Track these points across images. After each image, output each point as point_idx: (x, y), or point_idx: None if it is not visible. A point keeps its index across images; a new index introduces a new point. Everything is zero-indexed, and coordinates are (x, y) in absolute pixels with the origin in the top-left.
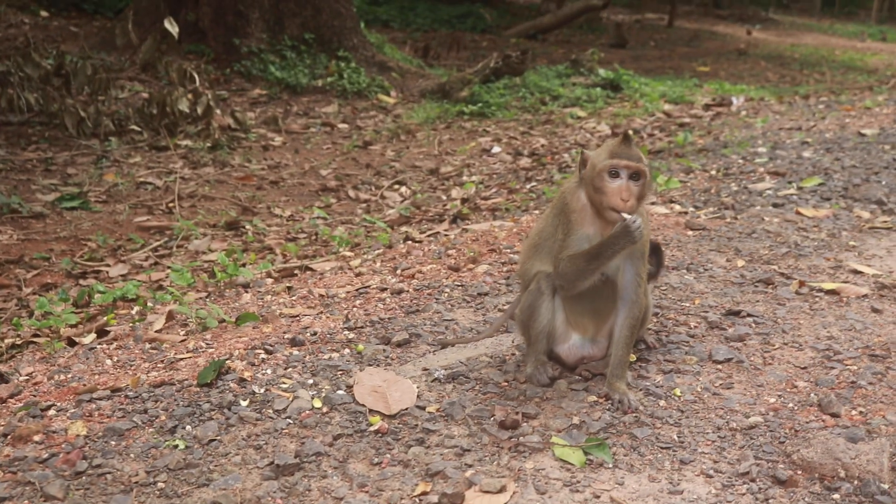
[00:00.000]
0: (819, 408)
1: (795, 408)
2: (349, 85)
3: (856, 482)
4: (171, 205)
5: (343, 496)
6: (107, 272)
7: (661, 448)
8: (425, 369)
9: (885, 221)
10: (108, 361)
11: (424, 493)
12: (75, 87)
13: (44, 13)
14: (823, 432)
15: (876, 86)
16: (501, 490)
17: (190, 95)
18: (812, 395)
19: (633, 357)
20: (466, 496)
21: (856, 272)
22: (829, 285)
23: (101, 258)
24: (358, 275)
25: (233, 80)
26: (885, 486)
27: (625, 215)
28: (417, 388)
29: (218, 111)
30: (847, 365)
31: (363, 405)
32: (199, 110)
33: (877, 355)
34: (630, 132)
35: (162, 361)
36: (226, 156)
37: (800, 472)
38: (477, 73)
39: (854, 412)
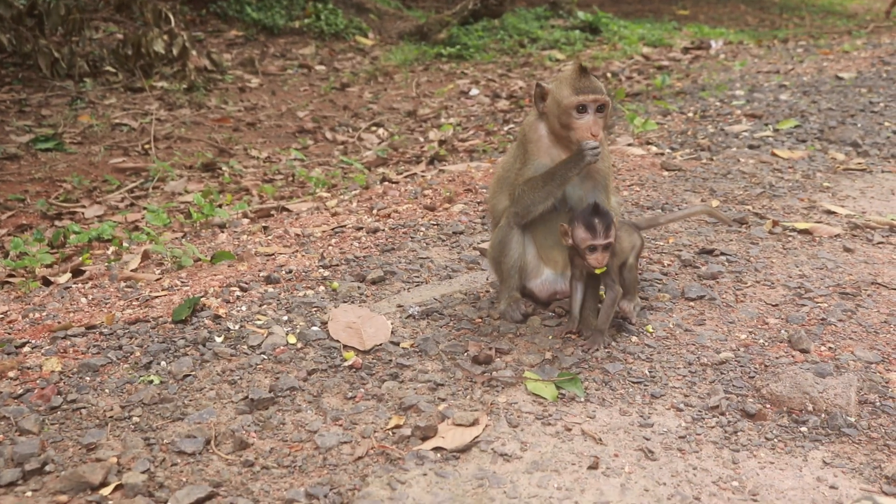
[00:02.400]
0: (789, 344)
1: (766, 344)
2: (326, 26)
3: (823, 415)
4: (146, 146)
5: (317, 429)
6: (82, 213)
7: (633, 383)
8: (400, 306)
9: (860, 163)
10: (83, 300)
11: (398, 427)
12: (49, 27)
13: None
14: (793, 367)
15: (855, 30)
16: (474, 423)
17: (165, 36)
18: (783, 331)
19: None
20: (439, 429)
21: (829, 212)
22: (802, 225)
23: (77, 199)
24: (334, 215)
25: (209, 21)
26: (852, 419)
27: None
28: (392, 324)
29: (194, 52)
30: (818, 302)
31: (337, 341)
32: (175, 51)
33: (847, 293)
34: (584, 63)
35: (137, 299)
36: (202, 97)
37: (769, 406)
38: (455, 14)
39: (823, 348)
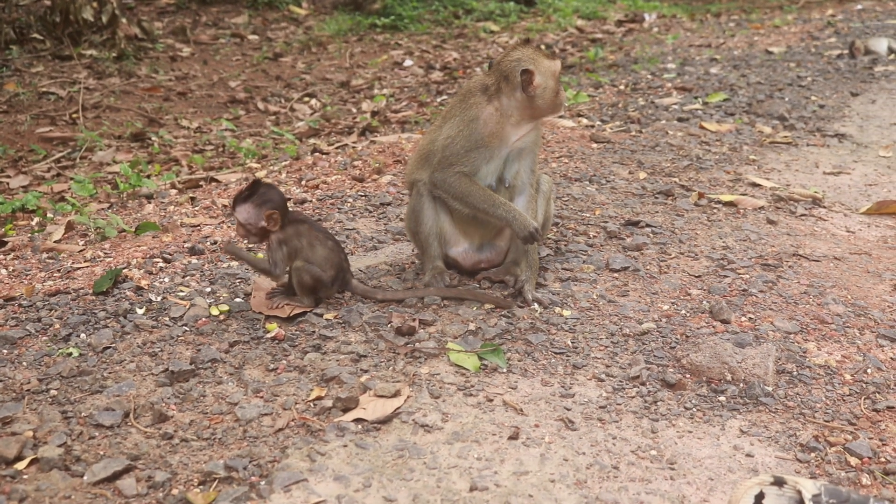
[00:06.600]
0: (710, 314)
1: (688, 314)
2: None
3: (741, 385)
4: (74, 115)
5: (237, 401)
6: (7, 183)
7: (555, 353)
8: None
9: (786, 136)
10: (4, 271)
11: (319, 398)
12: None
13: None
14: (713, 338)
15: (786, 4)
16: (396, 394)
17: (94, 3)
18: (704, 302)
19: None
20: (361, 400)
21: (754, 185)
22: (727, 197)
23: (2, 169)
24: None
25: None
26: (769, 388)
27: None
28: None
29: (124, 20)
30: (740, 273)
31: (260, 313)
32: (104, 19)
33: (769, 265)
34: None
35: (58, 271)
36: (132, 66)
37: (688, 376)
38: None
39: (744, 318)
